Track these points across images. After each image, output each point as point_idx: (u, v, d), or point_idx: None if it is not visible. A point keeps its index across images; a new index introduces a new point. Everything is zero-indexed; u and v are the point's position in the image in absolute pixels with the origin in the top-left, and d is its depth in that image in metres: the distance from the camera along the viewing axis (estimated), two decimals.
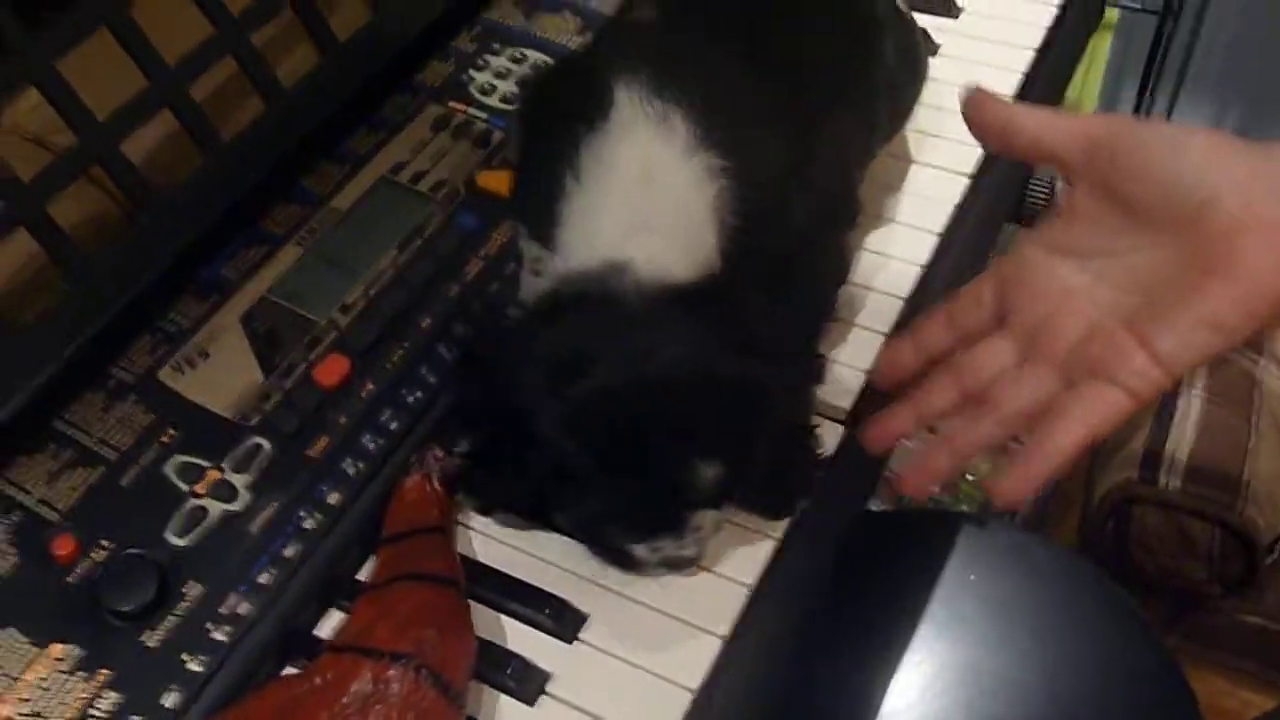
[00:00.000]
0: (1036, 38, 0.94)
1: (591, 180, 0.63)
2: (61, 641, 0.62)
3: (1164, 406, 1.50)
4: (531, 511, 0.67)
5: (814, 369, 0.71)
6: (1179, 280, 0.56)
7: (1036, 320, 0.61)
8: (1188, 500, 1.42)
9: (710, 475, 0.58)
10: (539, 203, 0.66)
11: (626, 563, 0.62)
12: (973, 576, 0.99)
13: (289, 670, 0.64)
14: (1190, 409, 1.49)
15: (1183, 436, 1.47)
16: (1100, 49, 1.79)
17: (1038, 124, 0.61)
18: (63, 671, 0.61)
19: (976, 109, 0.62)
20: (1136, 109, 1.69)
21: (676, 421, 0.58)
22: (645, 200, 0.62)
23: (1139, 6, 1.58)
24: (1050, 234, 0.62)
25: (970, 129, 0.63)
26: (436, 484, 0.67)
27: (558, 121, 0.66)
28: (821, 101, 0.69)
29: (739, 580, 0.65)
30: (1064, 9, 0.97)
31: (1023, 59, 0.92)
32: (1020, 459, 0.59)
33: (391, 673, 0.56)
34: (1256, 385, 1.53)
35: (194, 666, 0.62)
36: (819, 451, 0.68)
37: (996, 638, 0.95)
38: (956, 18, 0.97)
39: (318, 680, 0.56)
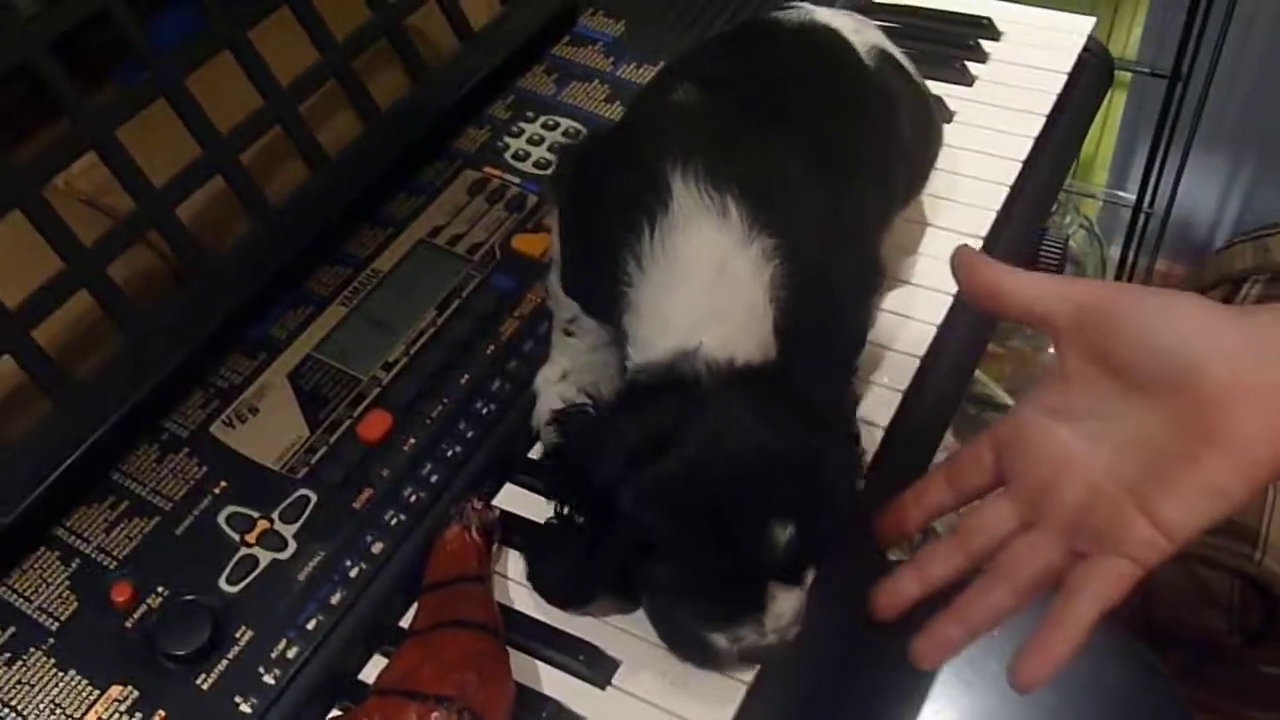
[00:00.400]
0: (1048, 103, 0.98)
1: (661, 272, 0.65)
2: (120, 684, 0.65)
3: None
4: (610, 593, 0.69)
5: (857, 432, 0.74)
6: (1176, 448, 0.56)
7: (1038, 485, 0.61)
8: (1206, 550, 1.43)
9: (784, 537, 0.60)
10: (595, 283, 0.69)
11: (708, 655, 0.64)
12: (995, 633, 1.01)
13: (335, 714, 0.67)
14: None
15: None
16: (1114, 108, 1.82)
17: (1027, 289, 0.62)
18: (122, 712, 0.64)
19: (967, 272, 0.64)
20: (1148, 167, 1.72)
21: (749, 487, 0.60)
22: (715, 290, 0.64)
23: (1149, 71, 1.62)
24: (1046, 397, 0.62)
25: (960, 290, 0.65)
26: (475, 534, 0.70)
27: (609, 204, 0.69)
28: (848, 174, 0.72)
29: None
30: (1073, 76, 1.01)
31: (1035, 124, 0.96)
32: (1041, 643, 0.59)
33: (436, 715, 0.58)
34: None
35: (245, 708, 0.65)
36: None
37: (1020, 694, 0.96)
38: (971, 85, 1.01)
39: None
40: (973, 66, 1.02)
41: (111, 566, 0.70)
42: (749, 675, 0.66)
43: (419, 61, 0.93)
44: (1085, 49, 1.04)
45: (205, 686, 0.65)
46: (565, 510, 0.67)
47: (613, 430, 0.63)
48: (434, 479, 0.74)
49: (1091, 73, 1.04)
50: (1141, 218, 1.79)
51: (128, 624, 0.67)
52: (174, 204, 0.79)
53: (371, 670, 0.68)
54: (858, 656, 0.92)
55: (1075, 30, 1.04)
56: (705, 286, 0.64)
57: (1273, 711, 1.51)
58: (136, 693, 0.65)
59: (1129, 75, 1.73)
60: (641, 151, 0.69)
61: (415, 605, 0.69)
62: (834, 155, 0.72)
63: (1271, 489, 1.49)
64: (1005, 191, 0.90)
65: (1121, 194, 1.84)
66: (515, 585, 0.71)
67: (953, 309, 0.83)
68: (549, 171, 0.91)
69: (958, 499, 0.67)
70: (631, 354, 0.66)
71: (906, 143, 0.80)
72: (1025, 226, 0.93)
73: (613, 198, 0.69)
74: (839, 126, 0.74)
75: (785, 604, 0.62)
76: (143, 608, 0.68)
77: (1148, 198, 1.77)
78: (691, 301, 0.64)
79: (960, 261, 0.65)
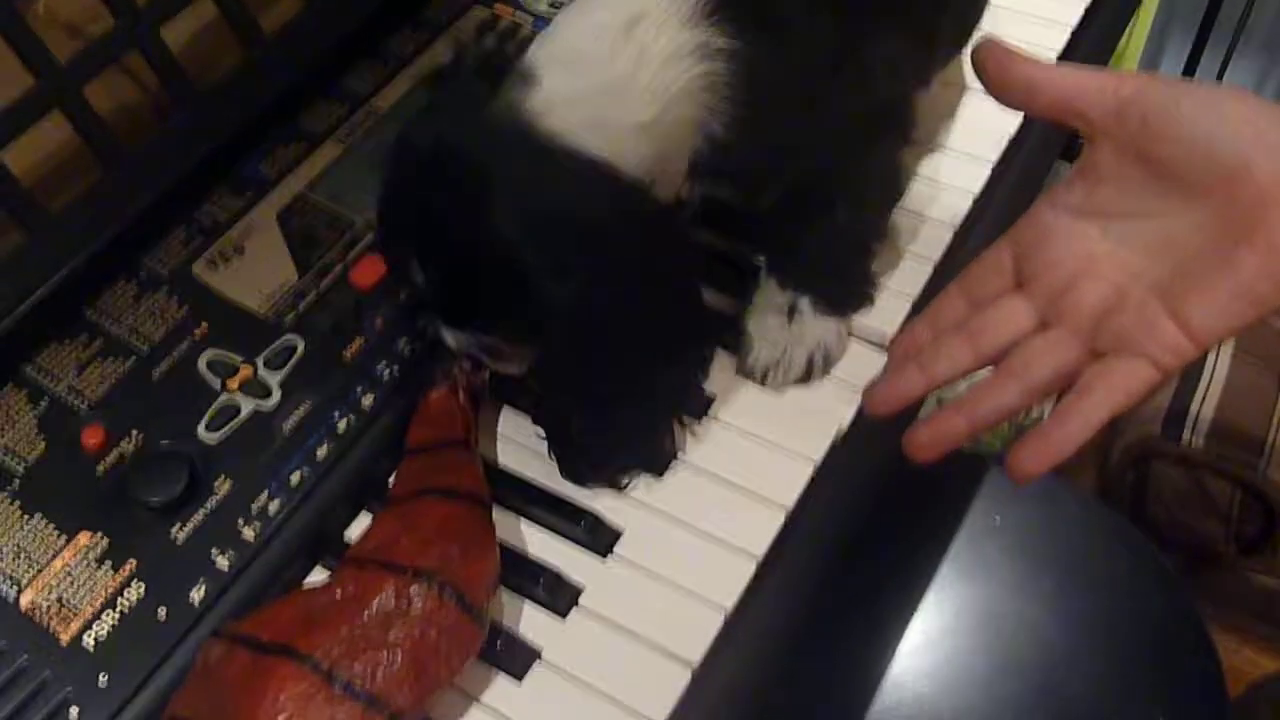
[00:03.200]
0: None
1: (579, 9, 0.59)
2: (90, 531, 0.61)
3: (1191, 364, 1.48)
4: None
5: (859, 287, 0.70)
6: (1210, 249, 0.54)
7: (1058, 285, 0.59)
8: (1210, 458, 1.41)
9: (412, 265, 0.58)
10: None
11: None
12: (998, 519, 0.98)
13: (318, 571, 0.63)
14: (1218, 368, 1.47)
15: (1209, 395, 1.45)
16: (1149, 2, 1.74)
17: (1063, 81, 0.58)
18: (90, 561, 0.60)
19: (996, 64, 0.59)
20: (1187, 69, 1.65)
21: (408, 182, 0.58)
22: (614, 46, 0.57)
23: None
24: (1071, 196, 0.59)
25: (987, 87, 0.60)
26: (462, 397, 0.66)
27: None
28: (884, 3, 0.66)
29: (777, 502, 0.64)
30: None
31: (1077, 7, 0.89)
32: (1041, 435, 0.57)
33: (414, 589, 0.55)
34: None
35: (222, 563, 0.61)
36: None
37: (1018, 582, 0.94)
38: None
39: (339, 593, 0.55)
40: None
41: (83, 409, 0.65)
42: (759, 550, 0.62)
43: None
44: None
45: (180, 538, 0.61)
46: None
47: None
48: (430, 330, 0.69)
49: None
50: None
51: (99, 469, 0.63)
52: (158, 22, 0.72)
53: (357, 529, 0.64)
54: (861, 540, 0.89)
55: None
56: (604, 32, 0.58)
57: (1262, 619, 1.51)
58: (106, 540, 0.61)
59: None
60: None
61: (396, 470, 0.65)
62: None
63: None
64: (1053, 59, 0.84)
65: None
66: (512, 446, 0.67)
67: (990, 179, 0.78)
68: None
69: (974, 312, 0.62)
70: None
71: None
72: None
73: None
74: None
75: (449, 337, 0.61)
76: (115, 453, 0.64)
77: None
78: (580, 39, 0.58)
79: (987, 54, 0.60)
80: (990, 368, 0.61)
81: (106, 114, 0.71)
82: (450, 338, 0.62)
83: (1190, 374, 1.46)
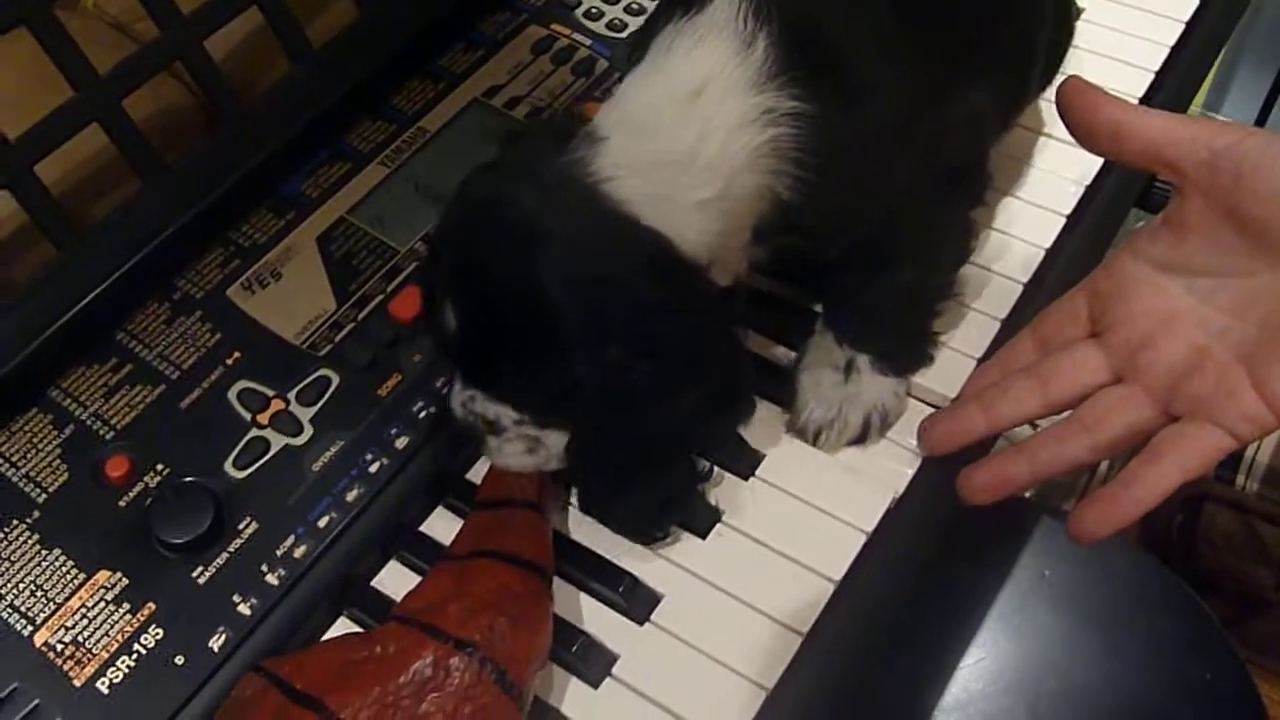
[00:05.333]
0: (1188, 9, 0.86)
1: (645, 68, 0.56)
2: (109, 569, 0.59)
3: None
4: None
5: (921, 346, 0.67)
6: None
7: (1136, 340, 0.57)
8: (1263, 504, 1.38)
9: (451, 321, 0.55)
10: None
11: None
12: (1046, 573, 0.95)
13: (343, 621, 0.61)
14: None
15: (1265, 440, 1.41)
16: None
17: (1154, 129, 0.56)
18: (108, 601, 0.58)
19: (1084, 106, 0.57)
20: (1270, 99, 1.59)
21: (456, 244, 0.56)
22: (676, 111, 0.54)
23: None
24: (1155, 248, 0.57)
25: (1072, 130, 0.58)
26: None
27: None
28: (972, 58, 0.62)
29: (824, 575, 0.60)
30: None
31: (1172, 31, 0.85)
32: (1108, 498, 0.55)
33: (454, 660, 0.52)
34: None
35: (244, 609, 0.58)
36: None
37: (1066, 641, 0.90)
38: None
39: (378, 649, 0.53)
40: None
41: (108, 437, 0.63)
42: (804, 626, 0.59)
43: None
44: None
45: (202, 580, 0.59)
46: None
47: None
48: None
49: None
50: None
51: (121, 502, 0.61)
52: (204, 34, 0.70)
53: (386, 577, 0.62)
54: (906, 597, 0.86)
55: None
56: (670, 101, 0.55)
57: None
58: (126, 580, 0.59)
59: None
60: None
61: (461, 523, 0.62)
62: (957, 31, 0.61)
63: None
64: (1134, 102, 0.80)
65: (1219, 118, 1.71)
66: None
67: (1064, 230, 0.74)
68: (624, 34, 0.81)
69: (1045, 357, 0.60)
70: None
71: (1048, 27, 0.69)
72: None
73: None
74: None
75: (460, 394, 0.58)
76: (139, 486, 0.62)
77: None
78: (647, 107, 0.55)
79: (1073, 94, 0.57)
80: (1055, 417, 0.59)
81: (145, 125, 0.69)
82: (459, 401, 0.58)
83: None
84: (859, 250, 0.63)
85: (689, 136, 0.54)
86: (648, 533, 0.62)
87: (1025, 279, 0.71)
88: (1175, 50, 0.84)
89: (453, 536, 0.61)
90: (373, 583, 0.62)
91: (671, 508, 0.62)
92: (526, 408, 0.57)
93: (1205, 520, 1.41)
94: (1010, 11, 0.66)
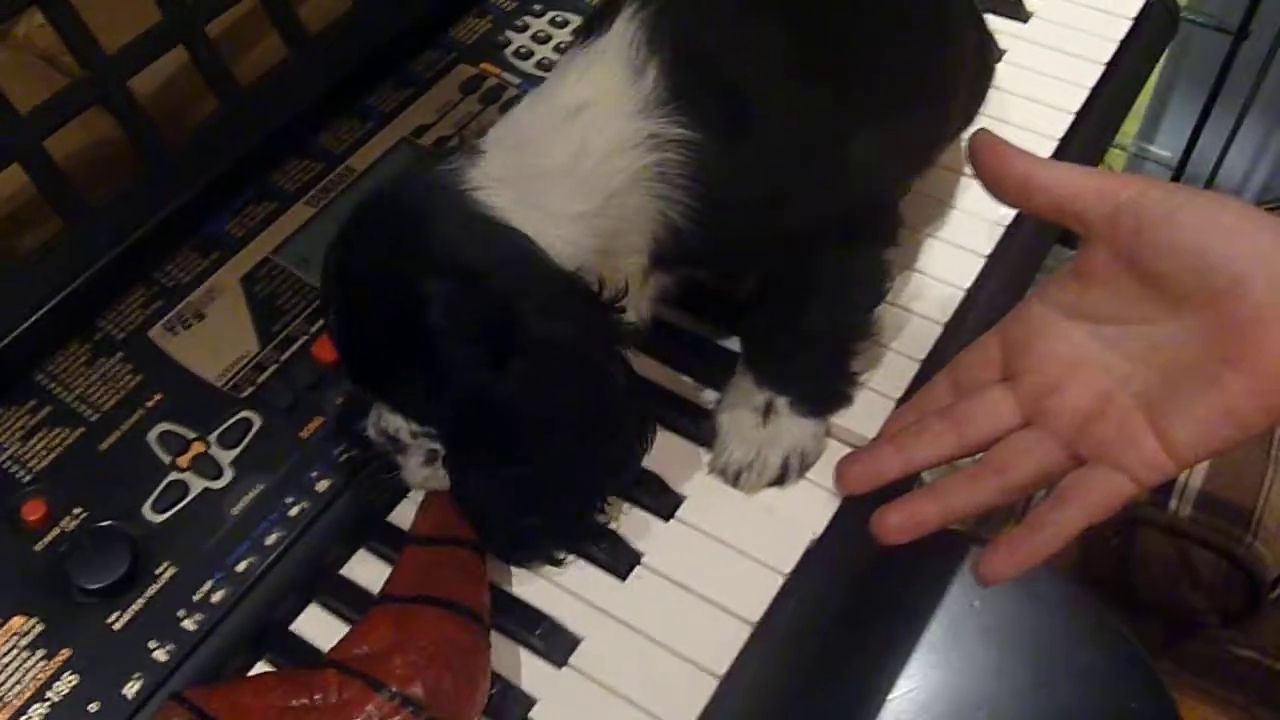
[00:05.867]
0: (1108, 50, 0.88)
1: (536, 94, 0.58)
2: (24, 615, 0.59)
3: None
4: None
5: (839, 387, 0.68)
6: (1199, 364, 0.53)
7: (1044, 384, 0.58)
8: (1196, 529, 1.40)
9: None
10: None
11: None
12: (976, 604, 0.96)
13: (261, 667, 0.60)
14: None
15: (1198, 465, 1.44)
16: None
17: (1061, 182, 0.57)
18: (22, 647, 0.58)
19: (994, 158, 0.58)
20: (1198, 126, 1.63)
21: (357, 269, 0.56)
22: (554, 131, 0.56)
23: (1214, 25, 1.51)
24: (1063, 295, 0.59)
25: (983, 182, 0.59)
26: None
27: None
28: (881, 93, 0.63)
29: (742, 617, 0.61)
30: (1138, 21, 0.92)
31: (1092, 72, 0.87)
32: (1012, 542, 0.57)
33: (398, 718, 0.52)
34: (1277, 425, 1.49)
35: (160, 655, 0.58)
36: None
37: (995, 670, 0.91)
38: (1026, 21, 0.91)
39: (317, 698, 0.52)
40: (1028, 2, 0.93)
41: (25, 480, 0.63)
42: (720, 668, 0.59)
43: None
44: None
45: (117, 626, 0.59)
46: None
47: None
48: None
49: (1156, 21, 0.94)
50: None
51: (38, 547, 0.61)
52: (127, 74, 0.70)
53: (305, 622, 0.62)
54: (828, 635, 0.87)
55: None
56: (550, 119, 0.57)
57: (1240, 692, 1.50)
58: (41, 626, 0.58)
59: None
60: None
61: (400, 556, 0.61)
62: (868, 62, 0.62)
63: (1270, 469, 1.45)
64: (1053, 145, 0.82)
65: (1152, 149, 1.75)
66: None
67: (984, 271, 0.75)
68: None
69: (960, 399, 0.62)
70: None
71: (968, 68, 0.70)
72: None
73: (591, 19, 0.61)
74: (886, 31, 0.64)
75: (372, 413, 0.59)
76: (56, 530, 0.61)
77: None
78: (528, 125, 0.57)
79: (983, 147, 0.59)
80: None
81: (66, 164, 0.68)
82: (372, 420, 0.59)
83: None
84: (771, 288, 0.64)
85: (563, 153, 0.55)
86: (527, 557, 0.62)
87: (944, 320, 0.72)
88: (1095, 92, 0.86)
89: (376, 578, 0.61)
90: (292, 627, 0.61)
91: (558, 535, 0.62)
92: (413, 415, 0.57)
93: (1139, 544, 1.43)
94: (924, 49, 0.67)
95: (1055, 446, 0.57)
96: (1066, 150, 0.83)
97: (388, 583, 0.60)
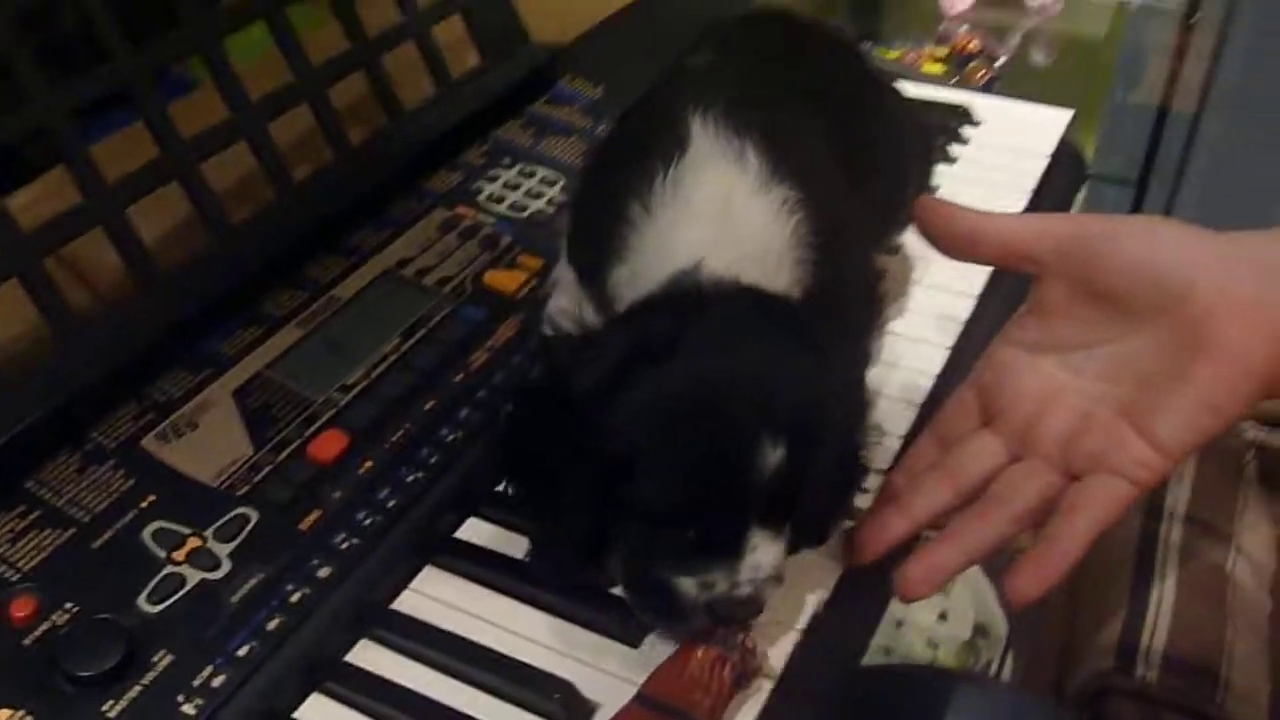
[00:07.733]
0: (1030, 184, 0.96)
1: (669, 212, 0.60)
2: (11, 708, 0.56)
3: (1136, 596, 1.47)
4: (588, 554, 0.60)
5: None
6: (1166, 366, 0.56)
7: (1025, 418, 0.61)
8: (1165, 692, 1.38)
9: (774, 458, 0.53)
10: (600, 243, 0.63)
11: (672, 608, 0.56)
12: None
13: None
14: (1163, 600, 1.46)
15: (1158, 627, 1.43)
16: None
17: (1006, 230, 0.62)
18: None
19: (940, 219, 0.63)
20: None
21: (743, 399, 0.54)
22: (725, 222, 0.60)
23: (1117, 178, 1.64)
24: (1026, 333, 0.62)
25: (933, 242, 0.64)
26: (728, 673, 0.57)
27: (625, 157, 0.65)
28: (866, 164, 0.71)
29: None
30: (1050, 168, 1.00)
31: (1019, 202, 0.94)
32: (1036, 558, 0.58)
33: None
34: (1229, 581, 1.51)
35: None
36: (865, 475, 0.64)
37: None
38: (953, 164, 0.99)
39: None
40: (953, 149, 1.01)
41: (13, 579, 0.61)
42: None
43: (395, 101, 0.90)
44: (1059, 147, 1.03)
45: (112, 714, 0.56)
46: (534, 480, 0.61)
47: (600, 343, 0.57)
48: (391, 504, 0.66)
49: (1065, 169, 1.03)
50: None
51: (26, 641, 0.58)
52: (125, 203, 0.73)
53: (308, 709, 0.59)
54: None
55: (1053, 122, 1.03)
56: (713, 218, 0.60)
57: None
58: (31, 718, 0.55)
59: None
60: (661, 103, 0.66)
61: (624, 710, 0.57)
62: (853, 135, 0.70)
63: (1229, 630, 1.45)
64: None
65: None
66: (477, 621, 0.63)
67: (950, 360, 0.79)
68: (525, 214, 0.86)
69: (947, 452, 0.64)
70: (625, 295, 0.61)
71: (915, 154, 0.79)
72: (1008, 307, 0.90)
73: (629, 151, 0.65)
74: (857, 109, 0.73)
75: (764, 554, 0.55)
76: (46, 624, 0.59)
77: None
78: (698, 232, 0.60)
79: (928, 210, 0.64)
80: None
81: (64, 286, 0.70)
82: (745, 574, 0.56)
83: (1136, 607, 1.45)
84: None
85: (747, 234, 0.60)
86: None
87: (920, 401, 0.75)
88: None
89: (380, 664, 0.60)
90: (294, 714, 0.59)
91: None
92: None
93: (1111, 715, 1.40)
94: (885, 132, 0.77)
95: (1049, 469, 0.59)
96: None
97: None
